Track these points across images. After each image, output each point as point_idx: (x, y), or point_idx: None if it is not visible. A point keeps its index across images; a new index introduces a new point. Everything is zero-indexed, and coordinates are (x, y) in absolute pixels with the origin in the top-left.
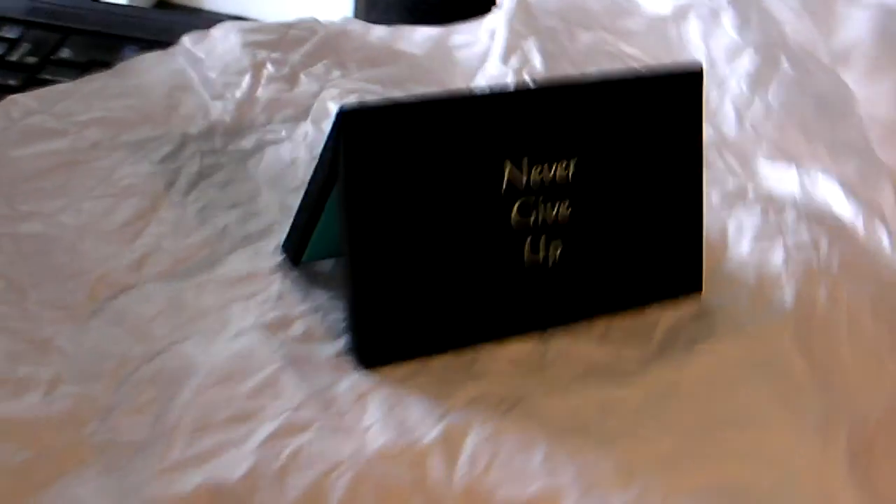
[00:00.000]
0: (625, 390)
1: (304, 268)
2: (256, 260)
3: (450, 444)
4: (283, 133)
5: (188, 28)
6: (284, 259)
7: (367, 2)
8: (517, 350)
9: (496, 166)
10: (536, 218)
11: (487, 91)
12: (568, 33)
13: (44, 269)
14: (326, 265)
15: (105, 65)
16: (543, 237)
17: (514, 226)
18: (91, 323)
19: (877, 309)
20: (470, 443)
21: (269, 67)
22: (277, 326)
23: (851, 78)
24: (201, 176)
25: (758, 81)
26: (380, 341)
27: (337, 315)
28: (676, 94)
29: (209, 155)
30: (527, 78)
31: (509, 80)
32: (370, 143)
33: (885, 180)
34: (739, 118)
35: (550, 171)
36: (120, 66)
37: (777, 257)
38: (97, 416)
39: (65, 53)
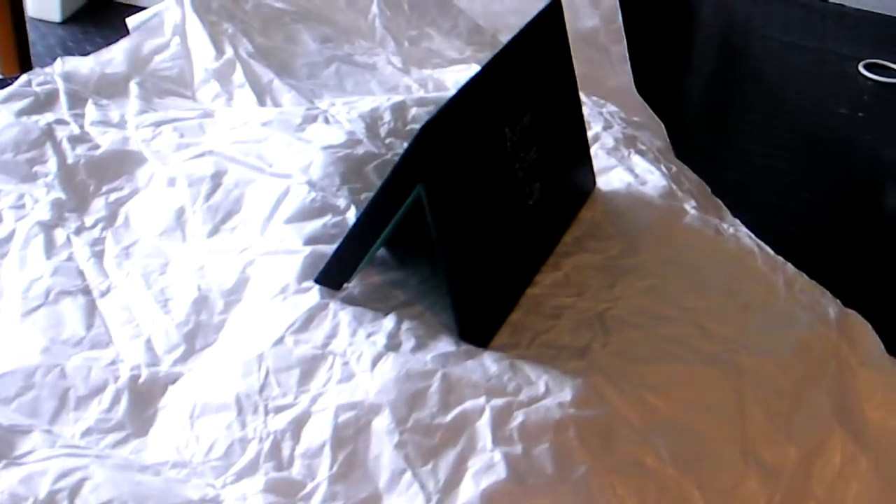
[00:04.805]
0: (647, 279)
1: (333, 292)
2: (296, 301)
3: (614, 374)
4: (128, 189)
5: None
6: (321, 289)
7: None
8: (551, 281)
9: (501, 134)
10: (525, 168)
11: (475, 78)
12: (232, 2)
13: (55, 399)
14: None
15: None
16: (530, 182)
17: (519, 179)
18: (160, 414)
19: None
20: (614, 365)
21: (58, 130)
22: (395, 346)
23: None
24: (97, 254)
25: None
26: (485, 321)
27: (415, 320)
28: (553, 28)
29: (81, 233)
30: (246, 57)
31: (237, 66)
32: (444, 148)
33: None
34: (393, 36)
35: (521, 128)
36: None
37: (608, 139)
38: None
39: None
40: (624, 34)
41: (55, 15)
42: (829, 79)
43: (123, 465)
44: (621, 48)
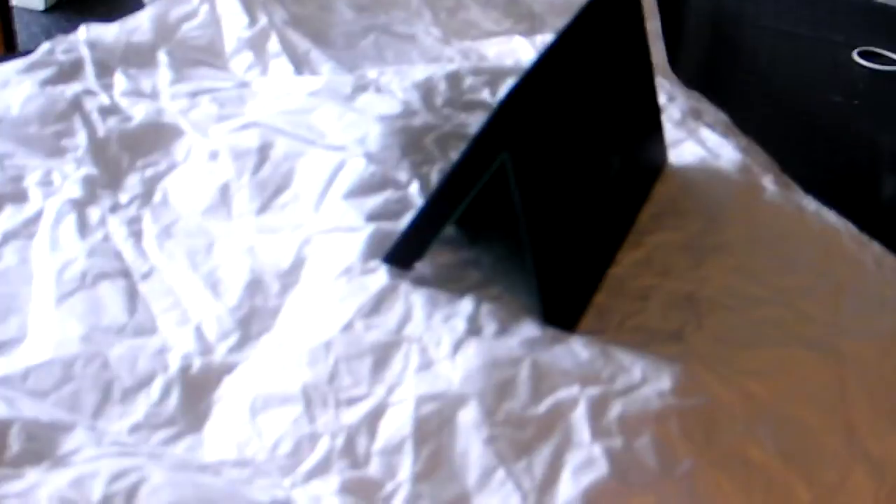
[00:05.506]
0: (734, 258)
1: (402, 272)
2: (362, 282)
3: (712, 360)
4: (164, 163)
5: None
6: (389, 270)
7: None
8: (633, 261)
9: (581, 104)
10: (604, 140)
11: (553, 47)
12: None
13: (98, 391)
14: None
15: None
16: (609, 155)
17: (599, 152)
18: (215, 408)
19: None
20: (712, 350)
21: (86, 101)
22: (476, 331)
23: None
24: (135, 234)
25: None
26: (571, 303)
27: (494, 302)
28: (633, 7)
29: (117, 211)
30: (281, 26)
31: (272, 35)
32: (530, 117)
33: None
34: (430, 6)
35: (599, 97)
36: None
37: (674, 112)
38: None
39: None
40: (657, 11)
41: (38, 3)
42: (823, 67)
43: (180, 464)
44: (655, 25)
